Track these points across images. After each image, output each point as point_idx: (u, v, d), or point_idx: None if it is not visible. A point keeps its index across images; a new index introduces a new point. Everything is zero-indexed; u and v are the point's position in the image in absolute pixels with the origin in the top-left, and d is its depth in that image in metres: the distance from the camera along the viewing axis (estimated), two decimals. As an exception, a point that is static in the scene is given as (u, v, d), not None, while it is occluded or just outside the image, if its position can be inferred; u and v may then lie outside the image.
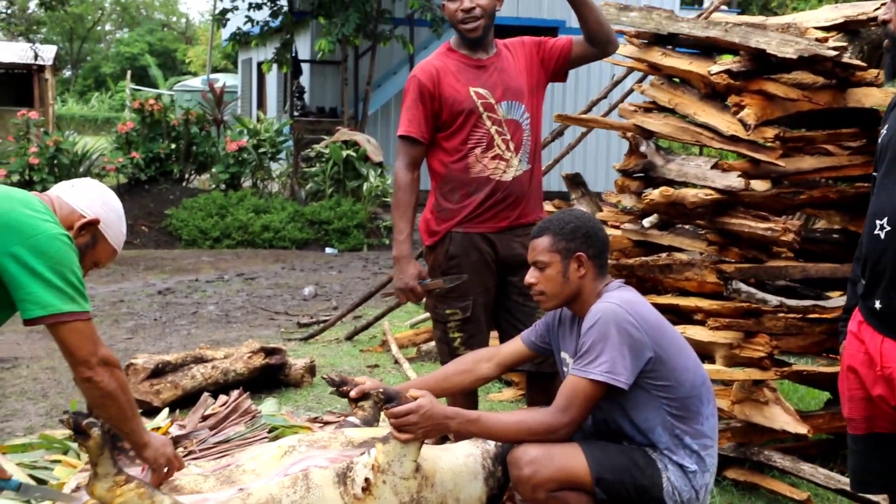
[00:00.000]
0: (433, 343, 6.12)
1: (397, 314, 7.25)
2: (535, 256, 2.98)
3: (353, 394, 3.24)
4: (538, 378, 3.72)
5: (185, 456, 3.61)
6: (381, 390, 2.91)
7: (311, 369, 5.40)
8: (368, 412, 3.25)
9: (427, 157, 3.68)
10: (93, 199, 2.59)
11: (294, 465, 2.88)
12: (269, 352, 5.22)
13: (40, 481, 3.64)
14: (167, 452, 2.74)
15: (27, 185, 12.37)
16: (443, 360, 3.69)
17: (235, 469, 2.92)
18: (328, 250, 12.45)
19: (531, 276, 2.99)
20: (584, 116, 4.80)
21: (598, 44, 3.60)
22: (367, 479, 2.79)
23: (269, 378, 5.23)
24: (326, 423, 4.41)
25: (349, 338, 6.81)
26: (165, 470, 2.75)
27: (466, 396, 3.60)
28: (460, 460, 3.02)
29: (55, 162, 12.97)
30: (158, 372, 4.81)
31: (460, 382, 3.28)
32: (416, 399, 2.87)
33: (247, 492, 2.74)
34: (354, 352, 6.42)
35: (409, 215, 3.57)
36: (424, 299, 3.76)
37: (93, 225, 2.56)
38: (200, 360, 5.03)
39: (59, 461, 3.81)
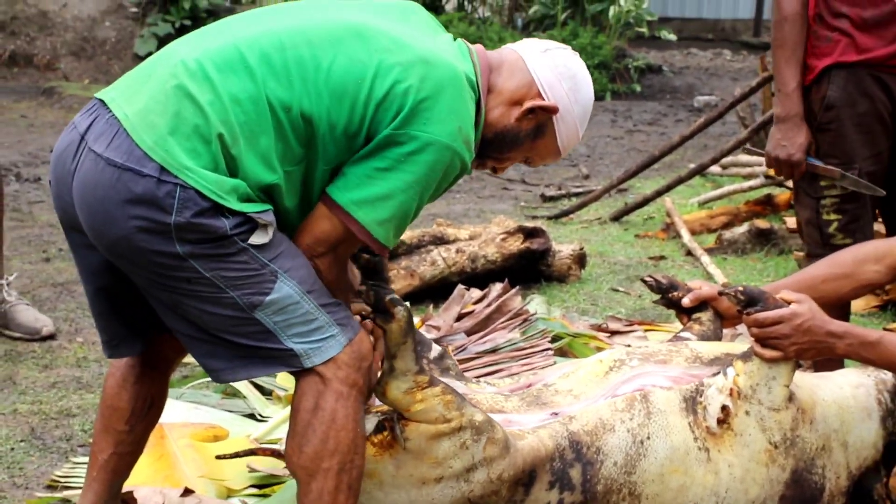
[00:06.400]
0: (739, 230, 6.09)
1: (680, 190, 7.21)
2: None
3: (686, 301, 3.22)
4: None
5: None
6: (740, 288, 2.90)
7: (580, 258, 5.48)
8: (707, 326, 3.22)
9: None
10: (563, 78, 2.59)
11: (626, 384, 2.94)
12: (528, 233, 5.32)
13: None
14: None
15: None
16: (809, 252, 3.70)
17: (544, 389, 3.00)
18: (559, 98, 12.43)
19: None
20: None
21: None
22: (724, 408, 2.82)
23: (526, 268, 5.34)
24: (613, 332, 4.49)
25: (616, 218, 6.87)
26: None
27: (839, 308, 3.56)
28: (847, 391, 3.01)
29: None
30: (390, 254, 4.97)
31: (836, 290, 3.19)
32: (789, 304, 2.86)
33: (566, 415, 2.83)
34: (627, 237, 6.49)
35: (800, 56, 3.55)
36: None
37: (547, 112, 2.58)
38: (441, 240, 5.18)
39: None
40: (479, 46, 2.61)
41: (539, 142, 2.63)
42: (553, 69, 2.59)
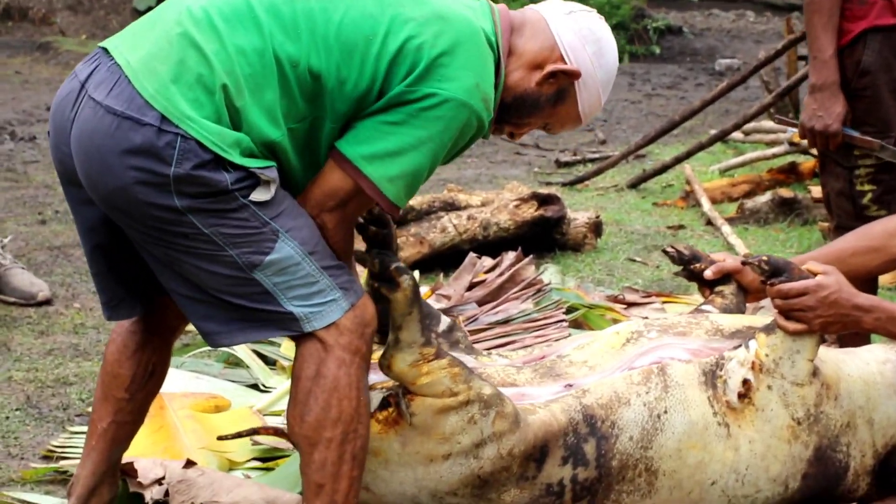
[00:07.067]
0: (762, 199, 6.07)
1: (700, 156, 7.21)
2: None
3: (709, 273, 3.22)
4: None
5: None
6: (764, 258, 2.90)
7: (595, 227, 5.47)
8: (730, 300, 3.24)
9: None
10: (586, 42, 2.56)
11: (643, 357, 2.93)
12: (542, 200, 5.30)
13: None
14: None
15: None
16: (839, 224, 3.68)
17: (558, 360, 3.00)
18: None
19: None
20: None
21: None
22: (745, 382, 2.81)
23: (540, 236, 5.33)
24: (630, 304, 4.46)
25: (634, 185, 6.88)
26: None
27: (867, 282, 3.52)
28: (873, 367, 2.99)
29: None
30: (398, 220, 4.94)
31: (865, 263, 3.20)
32: (815, 275, 2.83)
33: (580, 388, 2.82)
34: (645, 205, 6.49)
35: (836, 22, 3.52)
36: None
37: (569, 77, 2.55)
38: (452, 206, 5.19)
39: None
40: (502, 6, 2.58)
41: (560, 107, 2.60)
42: (577, 32, 2.55)
